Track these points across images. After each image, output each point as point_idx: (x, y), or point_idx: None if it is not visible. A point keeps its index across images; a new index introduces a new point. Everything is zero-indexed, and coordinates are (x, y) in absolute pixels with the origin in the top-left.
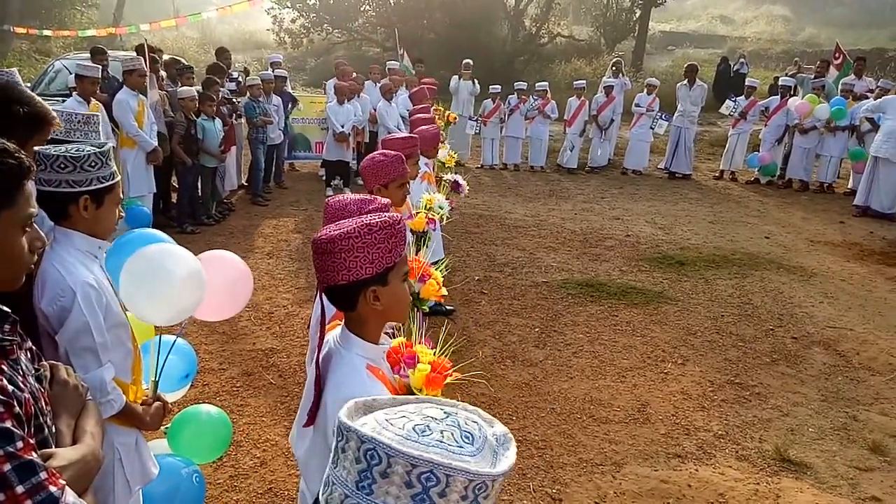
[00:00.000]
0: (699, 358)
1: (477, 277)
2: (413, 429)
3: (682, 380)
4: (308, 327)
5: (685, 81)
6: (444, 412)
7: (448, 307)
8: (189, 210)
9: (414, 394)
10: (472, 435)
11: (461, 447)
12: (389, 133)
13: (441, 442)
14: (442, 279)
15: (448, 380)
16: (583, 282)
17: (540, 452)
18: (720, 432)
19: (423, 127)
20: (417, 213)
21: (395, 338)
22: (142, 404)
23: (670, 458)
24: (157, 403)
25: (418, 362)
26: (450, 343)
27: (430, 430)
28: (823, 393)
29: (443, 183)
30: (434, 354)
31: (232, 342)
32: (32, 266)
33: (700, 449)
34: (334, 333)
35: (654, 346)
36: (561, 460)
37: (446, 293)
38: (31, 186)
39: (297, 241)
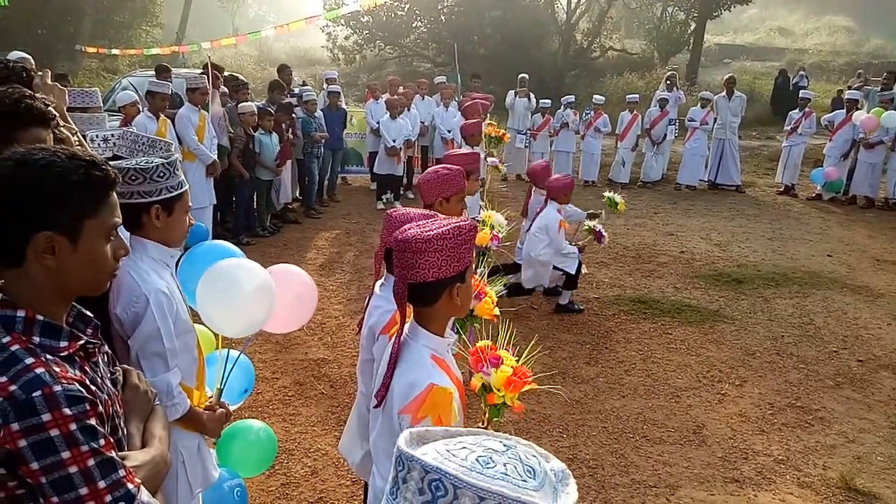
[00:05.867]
0: (758, 379)
1: None
2: (477, 460)
3: (740, 401)
4: (358, 335)
5: (724, 93)
6: (505, 445)
7: None
8: (245, 222)
9: (490, 391)
10: (533, 469)
11: (525, 481)
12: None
13: (506, 475)
14: (496, 298)
15: (525, 387)
16: (635, 298)
17: (591, 472)
18: (781, 457)
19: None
20: (482, 229)
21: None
22: (206, 409)
23: (727, 482)
24: (220, 410)
25: (502, 364)
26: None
27: (493, 462)
28: (893, 420)
29: (585, 229)
30: (517, 362)
31: (284, 352)
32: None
33: (759, 474)
34: (405, 328)
35: (709, 366)
36: (613, 481)
37: (499, 313)
38: (115, 197)
39: (348, 253)
